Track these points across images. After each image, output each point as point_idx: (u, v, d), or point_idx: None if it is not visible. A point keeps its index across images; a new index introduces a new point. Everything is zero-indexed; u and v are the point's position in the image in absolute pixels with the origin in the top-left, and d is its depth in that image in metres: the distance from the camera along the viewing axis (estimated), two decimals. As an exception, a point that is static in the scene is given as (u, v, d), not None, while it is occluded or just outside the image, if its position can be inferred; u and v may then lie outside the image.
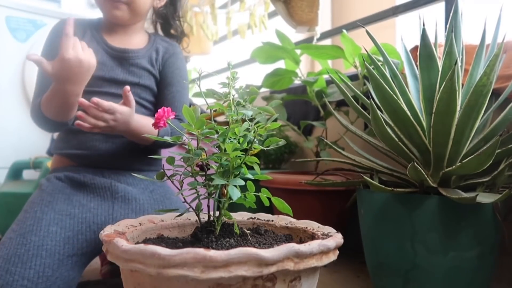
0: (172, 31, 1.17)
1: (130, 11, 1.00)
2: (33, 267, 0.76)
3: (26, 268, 0.75)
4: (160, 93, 1.06)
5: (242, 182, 0.59)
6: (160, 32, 1.17)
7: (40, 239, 0.79)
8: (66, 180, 0.94)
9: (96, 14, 2.01)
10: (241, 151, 0.60)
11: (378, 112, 0.77)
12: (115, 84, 0.99)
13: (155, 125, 0.63)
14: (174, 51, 1.10)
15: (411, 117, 0.78)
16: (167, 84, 1.06)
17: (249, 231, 0.65)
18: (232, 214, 0.68)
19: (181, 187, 0.63)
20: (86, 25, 1.05)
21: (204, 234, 0.62)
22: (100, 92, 0.97)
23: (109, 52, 1.02)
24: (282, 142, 0.61)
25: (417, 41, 0.83)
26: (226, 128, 0.60)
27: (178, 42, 1.18)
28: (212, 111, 0.64)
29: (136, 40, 1.07)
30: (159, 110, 0.63)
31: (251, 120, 0.61)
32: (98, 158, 0.96)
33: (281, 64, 1.44)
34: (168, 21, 1.15)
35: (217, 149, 0.63)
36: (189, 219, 0.76)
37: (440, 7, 1.18)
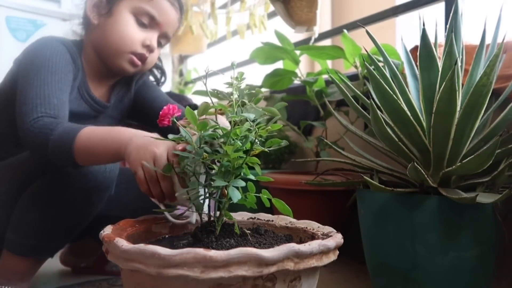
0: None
1: (143, 66, 0.95)
2: None
3: None
4: (154, 111, 1.00)
5: (243, 184, 0.58)
6: None
7: None
8: None
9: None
10: (242, 152, 0.60)
11: (378, 112, 0.77)
12: None
13: (160, 122, 0.62)
14: (135, 84, 1.06)
15: (411, 117, 0.78)
16: (153, 100, 1.04)
17: (249, 231, 0.65)
18: (232, 214, 0.68)
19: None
20: (77, 56, 0.90)
21: (204, 234, 0.62)
22: None
23: (92, 105, 0.96)
24: (284, 143, 0.61)
25: (417, 41, 0.83)
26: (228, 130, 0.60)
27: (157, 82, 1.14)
28: (216, 111, 0.64)
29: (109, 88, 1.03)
30: (164, 107, 0.62)
31: (252, 121, 0.60)
32: None
33: (280, 65, 1.44)
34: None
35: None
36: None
37: (440, 7, 1.18)
